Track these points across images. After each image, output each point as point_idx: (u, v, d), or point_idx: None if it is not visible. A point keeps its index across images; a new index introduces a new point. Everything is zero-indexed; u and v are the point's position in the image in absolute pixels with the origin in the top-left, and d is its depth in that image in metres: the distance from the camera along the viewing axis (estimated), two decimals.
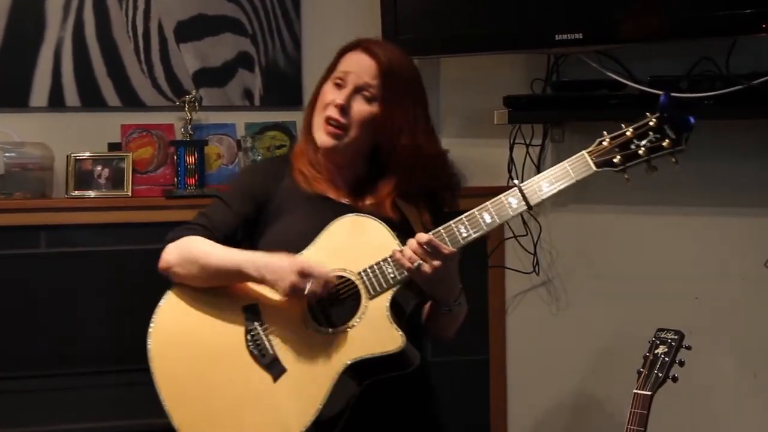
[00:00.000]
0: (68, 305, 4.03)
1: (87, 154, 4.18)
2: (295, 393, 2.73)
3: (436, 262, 2.69)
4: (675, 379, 2.94)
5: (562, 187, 2.70)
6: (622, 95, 3.83)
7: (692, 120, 2.67)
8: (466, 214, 2.73)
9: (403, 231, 2.83)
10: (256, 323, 2.81)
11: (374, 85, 2.87)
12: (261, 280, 2.78)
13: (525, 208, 2.72)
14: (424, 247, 2.69)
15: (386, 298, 2.75)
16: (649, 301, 3.98)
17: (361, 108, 2.88)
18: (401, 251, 2.71)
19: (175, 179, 4.20)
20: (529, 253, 4.30)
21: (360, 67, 2.89)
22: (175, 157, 4.20)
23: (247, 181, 3.04)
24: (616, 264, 4.12)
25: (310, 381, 2.73)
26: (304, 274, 2.70)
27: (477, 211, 2.74)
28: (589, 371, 4.22)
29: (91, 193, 4.15)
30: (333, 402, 2.72)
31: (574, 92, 3.97)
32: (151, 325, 2.88)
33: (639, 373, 2.96)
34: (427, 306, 2.96)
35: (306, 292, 2.70)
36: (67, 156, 4.16)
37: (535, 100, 4.10)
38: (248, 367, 2.77)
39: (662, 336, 3.02)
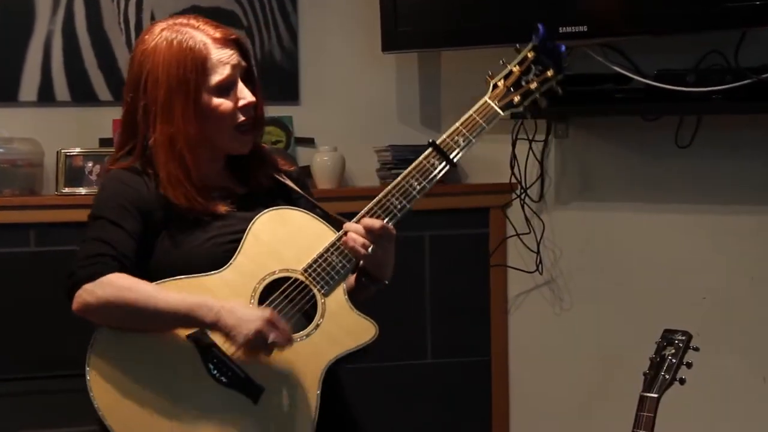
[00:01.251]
0: (58, 306, 3.93)
1: (78, 150, 4.15)
2: (283, 411, 2.57)
3: (387, 244, 2.63)
4: (682, 382, 2.90)
5: (477, 135, 2.65)
6: (627, 89, 3.82)
7: (563, 47, 2.73)
8: (393, 185, 2.62)
9: (311, 205, 2.74)
10: (213, 349, 2.55)
11: (246, 66, 2.70)
12: (214, 325, 2.51)
13: (447, 166, 2.64)
14: (376, 231, 2.59)
15: (342, 290, 2.63)
16: (656, 301, 3.97)
17: (252, 93, 2.69)
18: (353, 239, 2.60)
19: None
20: (532, 251, 4.28)
21: (234, 59, 2.65)
22: None
23: (122, 195, 2.65)
24: (622, 263, 4.11)
25: (295, 393, 2.57)
26: (272, 324, 2.50)
27: (402, 180, 2.62)
28: (594, 373, 4.21)
29: (82, 190, 4.12)
30: (325, 406, 2.59)
31: (578, 86, 3.90)
32: (91, 384, 2.54)
33: (645, 375, 2.92)
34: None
35: (269, 341, 2.49)
36: (57, 152, 4.13)
37: None
38: (223, 397, 2.54)
39: (669, 337, 2.97)
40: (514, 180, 4.26)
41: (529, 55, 2.69)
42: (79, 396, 3.93)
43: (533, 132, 4.23)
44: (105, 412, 2.51)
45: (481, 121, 2.66)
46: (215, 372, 2.54)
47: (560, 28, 3.69)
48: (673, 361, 2.90)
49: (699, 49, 3.74)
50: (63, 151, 4.12)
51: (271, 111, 4.32)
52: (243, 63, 2.67)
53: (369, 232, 2.59)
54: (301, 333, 2.57)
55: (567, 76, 3.99)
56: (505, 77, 2.70)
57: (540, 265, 4.28)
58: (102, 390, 2.53)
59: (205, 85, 2.62)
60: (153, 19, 4.23)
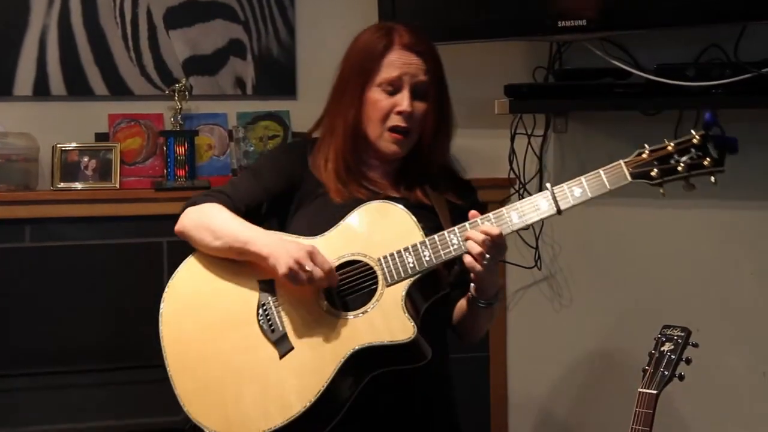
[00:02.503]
0: (53, 301, 4.01)
1: (73, 144, 4.14)
2: (300, 372, 2.72)
3: (498, 255, 2.73)
4: (681, 378, 2.91)
5: (596, 195, 2.69)
6: (627, 84, 3.81)
7: (737, 142, 2.63)
8: (494, 211, 2.74)
9: (431, 219, 2.87)
10: (270, 298, 2.82)
11: (425, 81, 2.91)
12: (263, 260, 2.78)
13: (554, 212, 2.71)
14: (495, 239, 2.70)
15: (403, 286, 2.75)
16: (655, 296, 3.97)
17: (419, 108, 2.91)
18: (473, 245, 2.71)
19: (165, 171, 4.16)
20: (531, 247, 4.27)
21: (410, 67, 2.89)
22: (165, 148, 4.16)
23: (284, 159, 3.04)
24: (621, 258, 4.10)
25: (316, 362, 2.72)
26: (311, 256, 2.71)
27: (505, 209, 2.74)
28: (593, 369, 4.20)
29: (78, 185, 4.12)
30: (337, 387, 2.70)
31: (577, 81, 3.94)
32: (166, 288, 2.89)
33: (644, 371, 2.93)
34: (460, 303, 2.95)
35: (304, 277, 2.70)
36: (53, 147, 4.12)
37: (537, 89, 4.06)
38: (256, 341, 2.78)
39: (668, 333, 2.99)
40: (512, 175, 4.25)
41: (696, 139, 2.63)
42: (73, 392, 3.98)
43: (532, 127, 4.23)
44: (165, 343, 2.82)
45: (605, 180, 2.68)
46: (261, 319, 2.79)
47: (559, 22, 3.68)
48: (672, 357, 2.91)
49: (699, 44, 3.73)
50: (58, 145, 4.10)
51: (268, 106, 4.38)
52: (422, 76, 2.89)
53: (488, 238, 2.69)
54: (349, 313, 2.75)
55: (566, 70, 4.05)
56: (656, 150, 2.66)
57: (539, 261, 4.27)
58: (168, 323, 2.84)
59: (374, 78, 2.89)
60: (149, 14, 4.25)
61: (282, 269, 2.71)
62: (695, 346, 2.94)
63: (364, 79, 2.92)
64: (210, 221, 2.87)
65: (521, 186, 4.24)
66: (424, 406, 2.91)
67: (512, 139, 4.24)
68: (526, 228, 2.79)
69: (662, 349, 2.93)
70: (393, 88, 2.89)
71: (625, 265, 4.07)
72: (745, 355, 3.79)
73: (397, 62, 2.89)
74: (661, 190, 2.68)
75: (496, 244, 2.69)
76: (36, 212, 3.98)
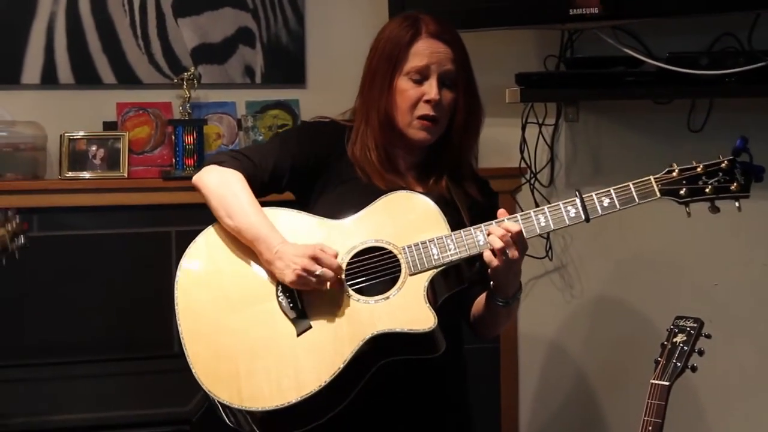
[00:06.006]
0: (61, 291, 4.01)
1: (81, 133, 4.13)
2: (315, 352, 2.74)
3: (518, 253, 2.74)
4: (694, 369, 2.90)
5: (624, 207, 2.77)
6: (639, 72, 3.79)
7: (764, 171, 2.77)
8: (520, 213, 2.80)
9: (452, 215, 2.89)
10: None
11: (453, 70, 2.93)
12: (267, 264, 2.82)
13: (582, 219, 2.79)
14: (514, 236, 2.73)
15: (426, 277, 2.78)
16: (667, 287, 3.96)
17: (447, 96, 2.93)
18: (494, 236, 2.74)
19: (173, 160, 4.15)
20: (542, 237, 4.22)
21: (438, 56, 2.91)
22: (173, 137, 4.15)
23: (312, 138, 3.04)
24: (633, 249, 4.09)
25: (334, 343, 2.74)
26: (310, 269, 2.74)
27: (533, 212, 2.80)
28: (605, 360, 4.19)
29: (86, 175, 4.11)
30: (351, 370, 2.72)
31: (589, 69, 3.92)
32: (184, 257, 2.92)
33: (657, 362, 2.91)
34: (479, 299, 2.97)
35: (315, 282, 2.74)
36: (61, 135, 4.11)
37: (548, 78, 4.06)
38: (274, 316, 2.80)
39: (681, 324, 2.97)
40: (523, 164, 4.24)
41: (724, 164, 2.74)
42: (81, 382, 3.98)
43: (543, 116, 4.22)
44: (180, 311, 2.84)
45: (634, 193, 2.75)
46: (280, 296, 2.81)
47: (571, 10, 3.67)
48: (685, 348, 2.90)
49: (712, 32, 3.72)
50: (66, 134, 4.10)
51: (277, 94, 4.37)
52: (449, 65, 2.91)
53: (507, 233, 2.72)
54: (370, 298, 2.78)
55: (577, 58, 4.03)
56: (685, 170, 2.75)
57: (550, 251, 4.27)
58: (183, 291, 2.86)
59: (402, 67, 2.91)
60: (157, 2, 4.25)
61: (289, 278, 2.75)
62: (708, 337, 2.93)
63: (392, 69, 2.93)
64: (228, 197, 2.89)
65: (532, 175, 4.22)
66: (435, 398, 2.93)
67: (523, 128, 4.23)
68: (551, 232, 2.88)
69: (675, 340, 2.91)
70: (421, 76, 2.90)
71: (637, 256, 4.06)
72: (758, 346, 3.78)
73: (425, 51, 2.91)
74: (687, 209, 2.77)
75: (516, 242, 2.72)
76: (44, 201, 3.98)
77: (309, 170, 2.98)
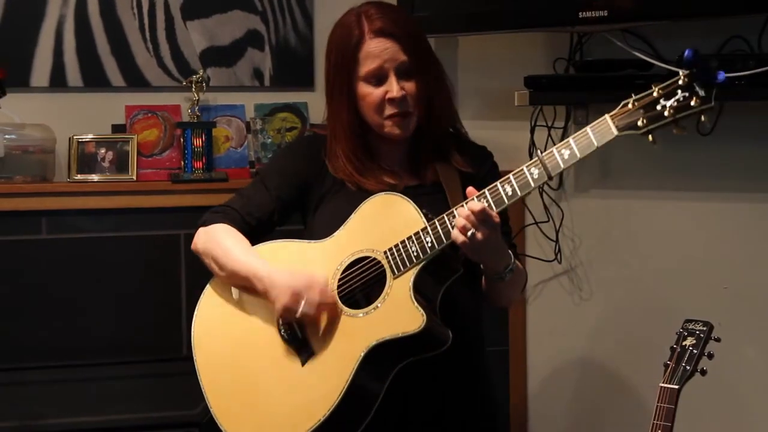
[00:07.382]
0: (69, 293, 4.00)
1: (90, 136, 4.14)
2: (321, 376, 2.77)
3: (486, 231, 2.67)
4: (704, 373, 2.89)
5: (585, 154, 2.62)
6: (649, 75, 3.75)
7: (723, 75, 2.55)
8: (488, 187, 2.71)
9: (444, 202, 2.86)
10: None
11: (407, 60, 2.88)
12: (265, 295, 2.84)
13: (546, 178, 2.69)
14: (477, 215, 2.66)
15: (410, 277, 2.76)
16: (676, 290, 3.94)
17: (410, 87, 2.88)
18: (457, 222, 2.70)
19: (182, 163, 4.16)
20: (551, 240, 4.25)
21: (388, 53, 2.87)
22: (182, 140, 4.16)
23: (290, 164, 3.06)
24: (642, 252, 4.07)
25: (336, 364, 2.75)
26: (298, 296, 2.77)
27: (499, 183, 2.71)
28: (614, 363, 4.18)
29: (95, 177, 4.11)
30: (361, 386, 2.73)
31: (598, 72, 3.91)
32: (195, 315, 2.99)
33: (666, 365, 2.91)
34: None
35: (298, 314, 2.77)
36: (70, 138, 4.11)
37: (557, 81, 4.04)
38: (280, 352, 2.84)
39: (690, 327, 2.97)
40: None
41: (681, 80, 2.54)
42: (90, 385, 3.97)
43: (552, 118, 4.20)
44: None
45: (592, 137, 2.60)
46: (281, 328, 2.85)
47: (580, 13, 3.66)
48: (694, 351, 2.89)
49: (721, 35, 3.70)
50: (75, 137, 4.10)
51: (286, 97, 4.37)
52: (402, 57, 2.86)
53: (471, 214, 2.67)
54: (362, 310, 2.78)
55: (587, 61, 4.01)
56: (641, 98, 2.57)
57: (559, 254, 4.25)
58: (200, 350, 2.94)
59: (357, 74, 2.88)
60: (166, 4, 4.25)
61: (277, 315, 2.82)
62: (717, 340, 2.92)
63: (347, 78, 2.91)
64: (213, 249, 2.94)
65: None
66: (454, 397, 2.92)
67: (532, 131, 4.21)
68: (524, 196, 2.74)
69: (684, 343, 2.91)
70: (377, 78, 2.87)
71: (646, 259, 4.04)
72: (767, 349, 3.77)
73: (374, 52, 2.87)
74: (650, 138, 2.57)
75: (480, 220, 2.65)
76: (52, 204, 3.97)
77: (298, 196, 3.00)
